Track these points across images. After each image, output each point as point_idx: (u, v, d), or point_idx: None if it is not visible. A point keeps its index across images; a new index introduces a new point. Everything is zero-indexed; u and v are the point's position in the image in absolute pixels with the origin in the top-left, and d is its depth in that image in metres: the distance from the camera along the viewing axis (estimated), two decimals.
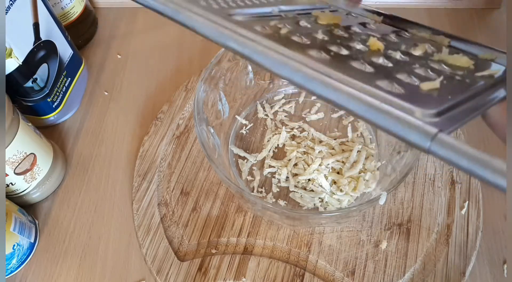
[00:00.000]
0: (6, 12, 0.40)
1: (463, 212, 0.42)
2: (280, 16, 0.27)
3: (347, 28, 0.27)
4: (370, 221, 0.42)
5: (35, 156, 0.43)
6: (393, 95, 0.19)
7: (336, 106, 0.19)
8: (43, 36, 0.46)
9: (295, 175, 0.45)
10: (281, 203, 0.43)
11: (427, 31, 0.28)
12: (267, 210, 0.37)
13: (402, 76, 0.22)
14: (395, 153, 0.41)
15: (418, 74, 0.22)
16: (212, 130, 0.43)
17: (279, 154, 0.47)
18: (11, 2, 0.41)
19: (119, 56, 0.58)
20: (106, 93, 0.55)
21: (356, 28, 0.28)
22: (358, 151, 0.45)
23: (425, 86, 0.21)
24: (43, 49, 0.46)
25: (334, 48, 0.24)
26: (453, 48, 0.27)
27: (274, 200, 0.44)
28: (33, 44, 0.45)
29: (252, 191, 0.44)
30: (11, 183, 0.43)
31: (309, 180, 0.44)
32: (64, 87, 0.51)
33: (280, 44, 0.22)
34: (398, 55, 0.24)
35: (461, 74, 0.23)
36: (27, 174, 0.43)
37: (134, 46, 0.60)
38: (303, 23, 0.27)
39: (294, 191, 0.44)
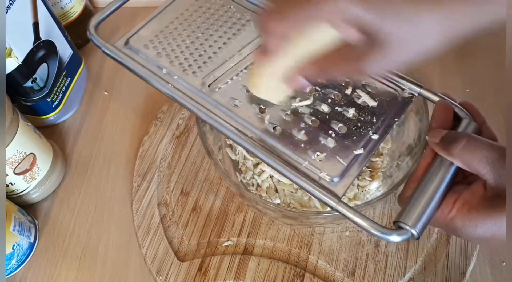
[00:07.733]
0: (6, 12, 0.40)
1: None
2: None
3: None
4: None
5: (34, 155, 0.43)
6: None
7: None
8: (42, 36, 0.46)
9: None
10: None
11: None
12: (266, 208, 0.37)
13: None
14: (396, 157, 0.41)
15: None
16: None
17: None
18: (11, 1, 0.41)
19: None
20: (106, 93, 0.55)
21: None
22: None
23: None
24: (42, 49, 0.46)
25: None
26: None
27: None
28: (33, 44, 0.45)
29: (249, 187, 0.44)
30: (11, 183, 0.43)
31: None
32: (64, 87, 0.51)
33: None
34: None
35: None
36: (27, 174, 0.43)
37: None
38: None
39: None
